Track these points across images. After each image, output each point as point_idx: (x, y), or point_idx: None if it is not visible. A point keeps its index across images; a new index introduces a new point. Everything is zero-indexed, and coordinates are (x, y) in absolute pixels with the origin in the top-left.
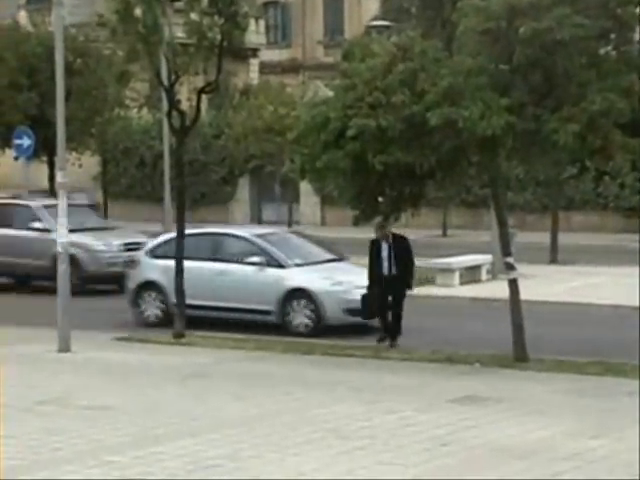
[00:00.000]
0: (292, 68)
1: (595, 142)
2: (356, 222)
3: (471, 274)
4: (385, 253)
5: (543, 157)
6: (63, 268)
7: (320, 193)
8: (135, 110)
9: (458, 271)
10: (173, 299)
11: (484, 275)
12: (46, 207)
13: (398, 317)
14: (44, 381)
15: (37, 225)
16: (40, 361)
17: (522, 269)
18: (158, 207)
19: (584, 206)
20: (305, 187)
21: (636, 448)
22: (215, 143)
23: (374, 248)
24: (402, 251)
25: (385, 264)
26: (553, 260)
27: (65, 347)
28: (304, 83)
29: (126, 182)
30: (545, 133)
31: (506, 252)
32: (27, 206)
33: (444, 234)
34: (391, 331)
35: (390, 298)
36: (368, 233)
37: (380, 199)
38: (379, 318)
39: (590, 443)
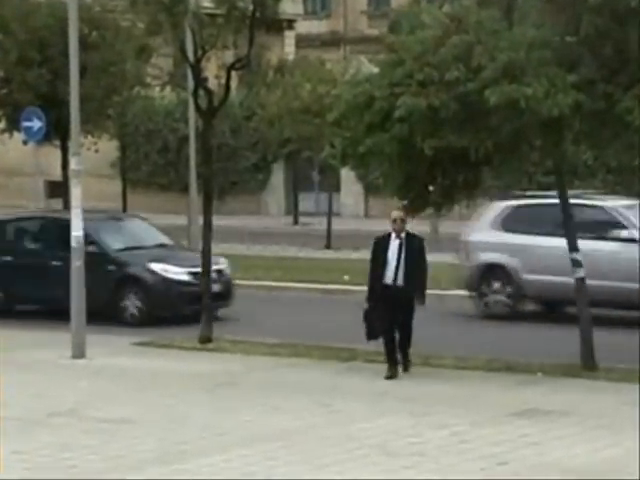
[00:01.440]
0: (332, 41)
1: None
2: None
3: None
4: (393, 253)
5: (615, 140)
6: (77, 265)
7: (363, 181)
8: (157, 89)
9: None
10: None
11: None
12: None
13: (407, 340)
14: (56, 390)
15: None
16: (52, 368)
17: None
18: (183, 197)
19: None
20: (346, 174)
21: None
22: (246, 125)
23: (379, 249)
24: (414, 253)
25: (391, 268)
26: None
27: (79, 353)
28: (346, 58)
29: (147, 169)
30: (617, 113)
31: (572, 247)
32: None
33: None
34: (403, 356)
35: (395, 315)
36: (417, 226)
37: (431, 188)
38: (384, 342)
39: None
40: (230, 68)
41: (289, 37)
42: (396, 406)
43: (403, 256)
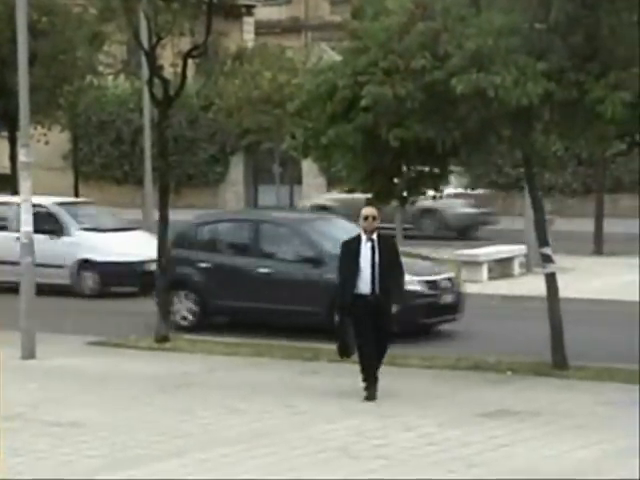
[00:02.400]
0: (293, 28)
1: None
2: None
3: (502, 268)
4: (366, 258)
5: (586, 131)
6: (27, 262)
7: (326, 174)
8: (110, 78)
9: (486, 264)
10: None
11: (517, 269)
12: None
13: (383, 353)
14: (4, 393)
15: None
16: (0, 370)
17: (561, 261)
18: (137, 190)
19: (633, 188)
20: (308, 167)
21: None
22: (203, 116)
23: (349, 254)
24: (389, 257)
25: (365, 277)
26: (597, 251)
27: (29, 354)
28: (307, 46)
29: (100, 161)
30: (588, 103)
31: (543, 242)
32: None
33: None
34: (372, 375)
35: (373, 326)
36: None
37: (396, 180)
38: (360, 359)
39: None
40: (186, 56)
41: (248, 24)
42: (361, 407)
43: (377, 261)
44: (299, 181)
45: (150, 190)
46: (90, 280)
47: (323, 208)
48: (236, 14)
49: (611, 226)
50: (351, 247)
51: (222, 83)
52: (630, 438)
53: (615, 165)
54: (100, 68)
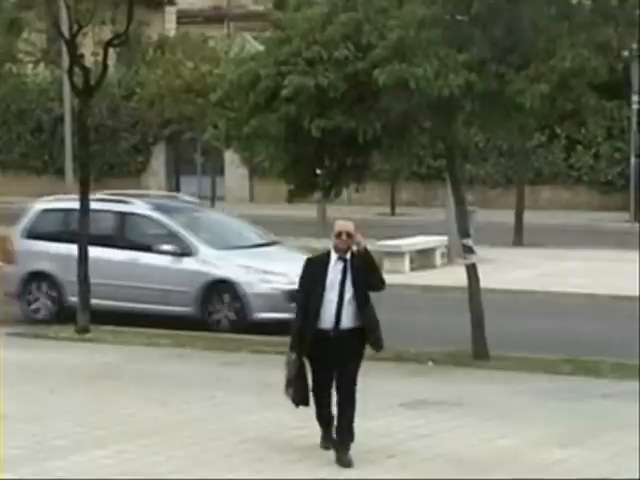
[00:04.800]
0: (215, 18)
1: (566, 105)
2: (290, 198)
3: (423, 259)
4: (333, 282)
5: (507, 122)
6: None
7: (248, 164)
8: (30, 66)
9: (408, 255)
10: None
11: (438, 260)
12: None
13: (350, 406)
14: None
15: None
16: None
17: (482, 252)
18: (58, 181)
19: (554, 180)
20: (231, 157)
21: (616, 458)
22: (125, 105)
23: (312, 275)
24: (366, 281)
25: (330, 306)
26: (518, 242)
27: None
28: (229, 35)
29: (20, 151)
30: (509, 95)
31: (464, 233)
32: None
33: (392, 212)
34: (339, 432)
35: (335, 371)
36: (304, 210)
37: (318, 171)
38: (317, 409)
39: (560, 453)
40: (108, 45)
41: (170, 13)
42: (282, 399)
43: (349, 286)
44: (221, 171)
45: (71, 180)
46: None
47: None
48: (157, 3)
49: (531, 217)
50: (315, 267)
51: (144, 72)
52: (543, 428)
53: (535, 157)
54: (19, 56)
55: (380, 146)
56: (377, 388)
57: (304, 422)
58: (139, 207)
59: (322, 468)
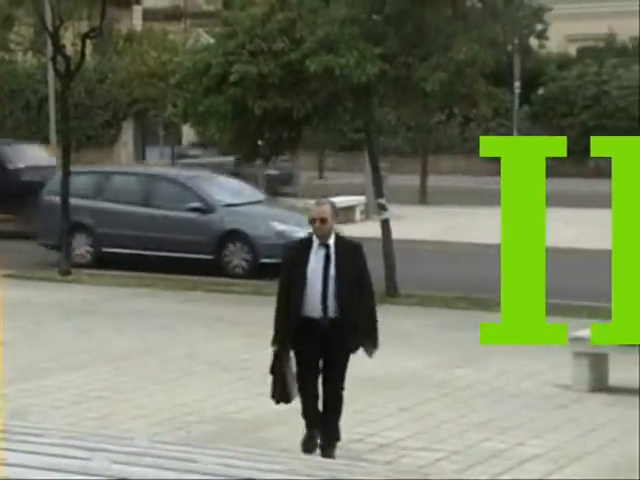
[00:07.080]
0: (174, 15)
1: (461, 90)
2: (237, 164)
3: (346, 214)
4: (315, 269)
5: (413, 103)
6: None
7: (202, 137)
8: (20, 54)
9: None
10: None
11: (358, 215)
12: None
13: (337, 402)
14: None
15: None
16: None
17: (393, 210)
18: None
19: (452, 150)
20: (187, 130)
21: (501, 376)
22: (99, 87)
23: (294, 261)
24: (350, 268)
25: (314, 293)
26: (422, 201)
27: None
28: (186, 30)
29: (12, 125)
30: (415, 81)
31: (378, 194)
32: None
33: (320, 176)
34: (325, 431)
35: (323, 363)
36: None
37: (260, 142)
38: (302, 403)
39: (456, 372)
40: (85, 37)
41: (136, 11)
42: (230, 329)
43: (333, 273)
44: (179, 142)
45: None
46: None
47: None
48: (126, 3)
49: (433, 181)
50: (297, 253)
51: (115, 60)
52: (442, 353)
53: (436, 131)
54: (11, 46)
55: (311, 122)
56: None
57: (247, 348)
58: (170, 173)
59: (264, 385)
